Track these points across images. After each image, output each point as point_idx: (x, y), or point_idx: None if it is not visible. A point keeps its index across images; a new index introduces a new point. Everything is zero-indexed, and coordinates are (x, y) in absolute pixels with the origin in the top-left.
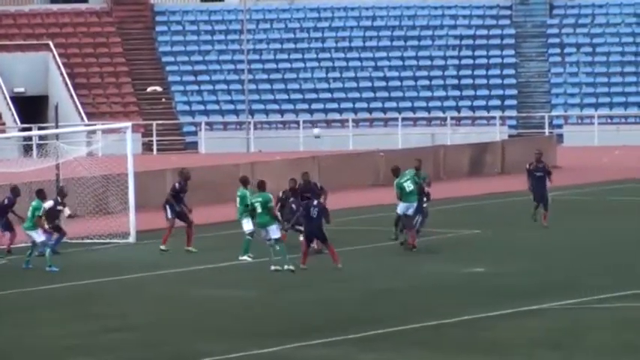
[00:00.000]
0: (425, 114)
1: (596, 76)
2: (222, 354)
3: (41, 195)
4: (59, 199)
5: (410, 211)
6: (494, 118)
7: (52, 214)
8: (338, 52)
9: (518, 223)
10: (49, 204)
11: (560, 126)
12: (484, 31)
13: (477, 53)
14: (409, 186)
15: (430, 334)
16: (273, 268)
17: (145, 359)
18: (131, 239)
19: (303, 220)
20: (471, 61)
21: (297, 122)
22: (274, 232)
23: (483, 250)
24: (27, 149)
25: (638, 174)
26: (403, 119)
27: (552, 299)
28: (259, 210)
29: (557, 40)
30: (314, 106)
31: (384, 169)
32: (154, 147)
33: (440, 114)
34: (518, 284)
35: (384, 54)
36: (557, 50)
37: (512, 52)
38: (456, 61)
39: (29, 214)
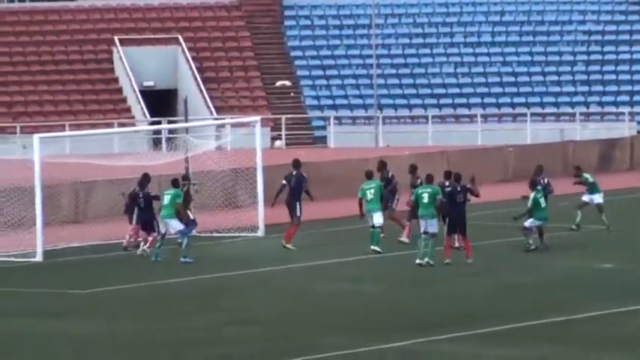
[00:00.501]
0: (553, 109)
1: None
2: (346, 348)
3: (176, 184)
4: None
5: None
6: (623, 114)
7: (186, 202)
8: (466, 47)
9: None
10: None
11: None
12: (613, 27)
13: (605, 49)
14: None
15: (557, 330)
16: (418, 262)
17: (266, 353)
18: (260, 233)
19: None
20: (599, 57)
21: (426, 117)
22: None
23: (612, 246)
24: (156, 142)
25: None
26: (532, 114)
27: None
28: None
29: None
30: (442, 101)
31: (512, 164)
32: (283, 141)
33: (569, 109)
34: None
35: (512, 49)
36: None
37: None
38: (584, 57)
39: (166, 201)
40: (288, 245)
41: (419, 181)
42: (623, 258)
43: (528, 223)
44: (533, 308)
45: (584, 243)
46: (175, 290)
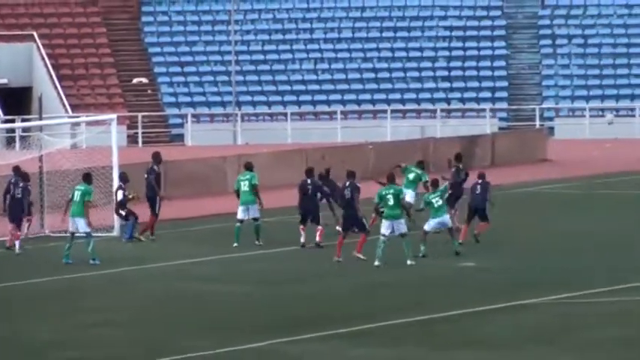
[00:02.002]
0: (414, 106)
1: (587, 67)
2: (208, 349)
3: (88, 179)
4: (122, 184)
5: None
6: (484, 110)
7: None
8: (327, 44)
9: (509, 216)
10: (120, 194)
11: (551, 118)
12: (475, 22)
13: (467, 44)
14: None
15: (421, 329)
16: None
17: (126, 355)
18: (115, 232)
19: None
20: (461, 53)
21: (285, 114)
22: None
23: (473, 245)
24: (9, 141)
25: (629, 167)
26: (392, 111)
27: (543, 294)
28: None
29: (548, 32)
30: (302, 97)
31: (372, 162)
32: (140, 139)
33: (429, 106)
34: (508, 279)
35: (373, 45)
36: (549, 42)
37: (503, 43)
38: (446, 53)
39: (77, 198)
40: (142, 237)
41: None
42: (484, 256)
43: (428, 226)
44: (393, 308)
45: (446, 242)
46: (35, 291)
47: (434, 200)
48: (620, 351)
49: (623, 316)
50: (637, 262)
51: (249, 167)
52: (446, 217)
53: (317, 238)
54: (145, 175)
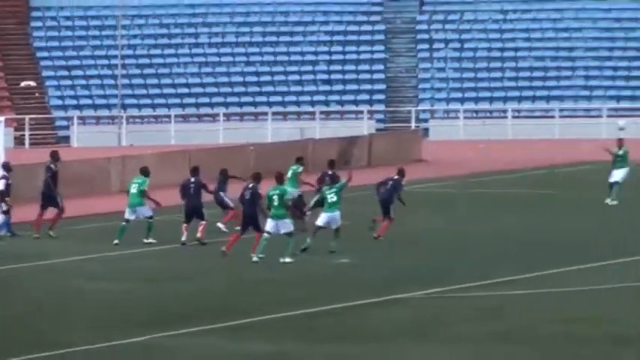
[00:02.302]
0: (295, 108)
1: (463, 71)
2: (86, 344)
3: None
4: (6, 174)
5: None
6: (362, 112)
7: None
8: (211, 48)
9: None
10: (2, 184)
11: (426, 120)
12: (355, 27)
13: (347, 49)
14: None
15: (300, 324)
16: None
17: (10, 349)
18: (2, 232)
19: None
20: (341, 57)
21: (169, 116)
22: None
23: (349, 241)
24: None
25: (502, 167)
26: (273, 113)
27: (417, 288)
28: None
29: (426, 36)
30: (186, 100)
31: (253, 163)
32: (26, 141)
33: (309, 108)
34: (382, 275)
35: (256, 49)
36: (426, 46)
37: (382, 47)
38: (326, 57)
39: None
40: (52, 233)
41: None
42: (359, 253)
43: (320, 220)
44: (273, 303)
45: (323, 238)
46: None
47: (329, 195)
48: (489, 344)
49: (493, 311)
50: (507, 257)
51: (144, 172)
52: (336, 214)
53: (198, 234)
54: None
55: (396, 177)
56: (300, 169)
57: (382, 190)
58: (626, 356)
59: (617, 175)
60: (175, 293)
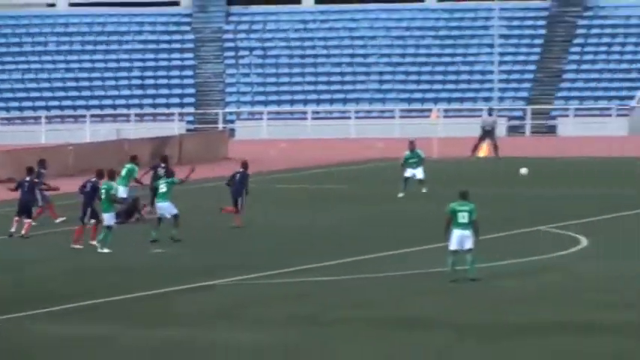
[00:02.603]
0: (111, 111)
1: (266, 76)
2: None
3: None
4: None
5: None
6: (173, 114)
7: None
8: (34, 56)
9: (194, 208)
10: None
11: (232, 121)
12: (167, 37)
13: (159, 56)
14: None
15: (117, 309)
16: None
17: None
18: None
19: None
20: (154, 63)
21: None
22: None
23: (166, 231)
24: None
25: (301, 164)
26: (92, 116)
27: (224, 276)
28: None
29: (232, 45)
30: (10, 104)
31: (72, 161)
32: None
33: (125, 111)
34: (194, 263)
35: (75, 57)
36: (232, 53)
37: (192, 55)
38: (140, 64)
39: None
40: None
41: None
42: (172, 244)
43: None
44: (93, 289)
45: (143, 231)
46: None
47: (160, 185)
48: (293, 327)
49: (295, 296)
50: (309, 247)
51: None
52: (166, 204)
53: (23, 231)
54: None
55: (241, 170)
56: (136, 168)
57: (233, 182)
58: (404, 337)
59: (416, 172)
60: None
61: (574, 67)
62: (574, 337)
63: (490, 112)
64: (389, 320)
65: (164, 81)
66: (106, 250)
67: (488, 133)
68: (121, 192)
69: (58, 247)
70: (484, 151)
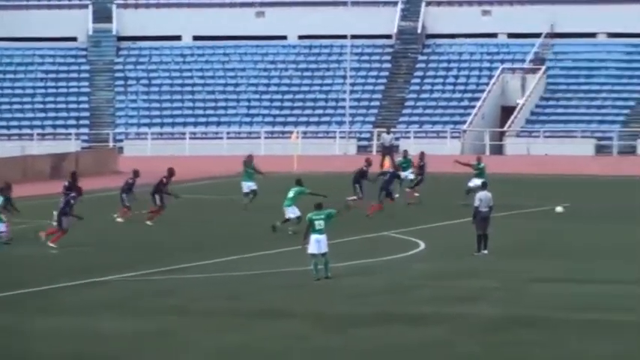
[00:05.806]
0: (17, 131)
1: (151, 102)
2: None
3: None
4: None
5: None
6: (70, 134)
7: None
8: None
9: (92, 216)
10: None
11: (121, 140)
12: (65, 67)
13: (59, 84)
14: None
15: (15, 302)
16: None
17: None
18: None
19: None
20: (54, 90)
21: None
22: None
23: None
24: None
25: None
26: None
27: (114, 273)
28: None
29: (121, 75)
30: None
31: None
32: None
33: (29, 131)
34: (88, 261)
35: None
36: (122, 82)
37: (87, 83)
38: (43, 90)
39: None
40: None
41: None
42: (64, 242)
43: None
44: None
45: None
46: None
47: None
48: (168, 315)
49: (169, 290)
50: (184, 248)
51: None
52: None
53: None
54: None
55: (165, 177)
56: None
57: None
58: (264, 326)
59: (407, 174)
60: None
61: (414, 95)
62: (409, 327)
63: (388, 131)
64: (252, 311)
65: (63, 105)
66: None
67: (387, 149)
68: None
69: None
70: (386, 165)
